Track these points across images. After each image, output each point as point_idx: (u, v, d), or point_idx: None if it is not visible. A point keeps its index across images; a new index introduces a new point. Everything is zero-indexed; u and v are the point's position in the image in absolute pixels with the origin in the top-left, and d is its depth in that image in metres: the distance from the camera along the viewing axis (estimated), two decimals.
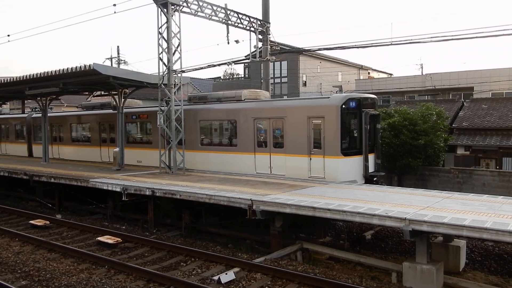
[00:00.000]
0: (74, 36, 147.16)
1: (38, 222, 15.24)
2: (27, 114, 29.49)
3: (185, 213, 14.60)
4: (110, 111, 21.53)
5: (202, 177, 16.10)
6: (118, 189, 14.75)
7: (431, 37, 16.86)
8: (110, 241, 12.65)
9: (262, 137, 16.49)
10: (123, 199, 14.73)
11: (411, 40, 17.19)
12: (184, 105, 17.86)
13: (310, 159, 14.98)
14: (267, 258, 11.11)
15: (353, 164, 14.78)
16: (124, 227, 15.46)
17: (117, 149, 19.38)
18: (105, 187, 15.20)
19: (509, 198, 11.59)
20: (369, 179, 15.05)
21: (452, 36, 16.42)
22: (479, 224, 8.38)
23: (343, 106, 14.47)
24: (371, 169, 15.28)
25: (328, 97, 15.50)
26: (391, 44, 17.07)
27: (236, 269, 10.22)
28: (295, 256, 11.95)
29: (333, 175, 14.51)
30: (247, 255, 11.81)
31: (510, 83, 30.28)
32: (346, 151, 14.60)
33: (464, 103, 26.96)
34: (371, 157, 15.31)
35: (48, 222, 15.40)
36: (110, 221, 16.52)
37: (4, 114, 34.46)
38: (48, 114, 26.52)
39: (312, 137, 14.96)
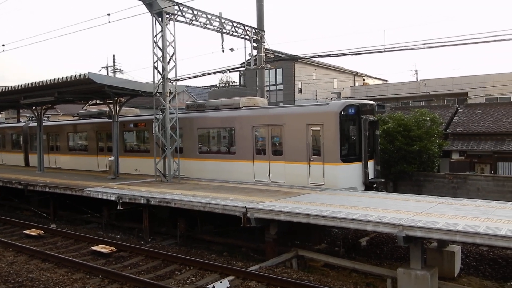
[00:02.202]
0: (72, 45, 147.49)
1: (32, 232, 15.16)
2: (23, 123, 29.41)
3: (180, 221, 14.57)
4: (108, 119, 21.52)
5: (197, 185, 16.09)
6: (112, 198, 14.70)
7: (424, 44, 17.15)
8: (104, 251, 12.59)
9: (260, 145, 16.37)
10: (118, 208, 14.69)
11: (405, 46, 17.47)
12: (181, 113, 17.87)
13: (309, 166, 14.90)
14: (262, 266, 11.07)
15: (352, 171, 14.69)
16: (119, 236, 15.40)
17: (112, 158, 19.36)
18: (99, 196, 15.15)
19: (503, 203, 11.64)
20: (369, 186, 14.94)
21: (445, 42, 16.68)
22: (472, 229, 8.40)
23: (342, 113, 14.40)
24: (370, 175, 15.21)
25: (327, 104, 15.42)
26: (385, 51, 17.31)
27: (231, 277, 10.19)
28: (290, 264, 11.91)
29: (333, 182, 14.43)
30: (242, 263, 11.77)
31: (503, 88, 30.47)
32: (346, 158, 14.51)
33: (459, 108, 27.12)
34: (370, 163, 15.24)
35: (42, 231, 15.32)
36: (105, 230, 16.45)
37: (0, 123, 34.37)
38: (45, 123, 26.41)
39: (311, 144, 14.88)
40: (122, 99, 19.68)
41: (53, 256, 12.19)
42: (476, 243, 8.75)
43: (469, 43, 15.88)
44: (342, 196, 13.07)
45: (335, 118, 14.34)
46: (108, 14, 14.79)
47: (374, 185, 15.14)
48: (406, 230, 9.04)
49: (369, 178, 15.06)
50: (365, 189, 14.73)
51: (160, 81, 17.22)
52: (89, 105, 26.98)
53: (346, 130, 14.77)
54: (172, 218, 14.94)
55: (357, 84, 45.97)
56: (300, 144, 15.02)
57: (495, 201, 11.96)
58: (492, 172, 21.47)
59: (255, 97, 19.83)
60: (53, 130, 25.88)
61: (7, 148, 29.64)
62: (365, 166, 14.85)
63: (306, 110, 15.53)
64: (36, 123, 23.76)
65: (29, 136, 27.59)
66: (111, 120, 19.82)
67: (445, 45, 16.46)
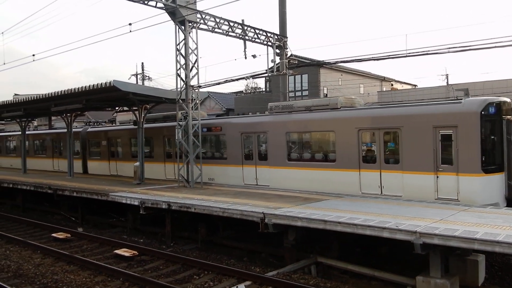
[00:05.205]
0: (105, 53, 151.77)
1: (60, 235, 15.69)
2: (81, 128, 27.59)
3: (201, 226, 14.77)
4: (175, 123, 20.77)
5: (218, 191, 16.26)
6: (136, 203, 15.07)
7: (449, 48, 16.62)
8: (126, 254, 12.91)
9: (369, 151, 14.64)
10: (141, 212, 15.04)
11: (428, 51, 17.00)
12: (265, 115, 17.47)
13: (437, 177, 12.79)
14: (280, 272, 11.10)
15: (494, 183, 12.51)
16: (142, 241, 15.72)
17: (137, 164, 19.83)
18: (123, 201, 15.55)
19: None
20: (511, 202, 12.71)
21: (469, 46, 16.16)
22: (491, 237, 8.18)
23: (483, 113, 12.18)
24: None
25: (460, 102, 12.82)
26: (407, 56, 16.94)
27: (248, 283, 10.27)
28: (309, 270, 11.88)
29: (470, 197, 12.23)
30: (260, 268, 11.82)
31: None
32: (487, 168, 12.28)
33: None
34: None
35: (69, 235, 15.84)
36: (129, 235, 16.83)
37: (56, 128, 32.06)
38: (103, 128, 26.57)
39: (439, 150, 12.76)
40: (148, 106, 20.14)
41: (77, 258, 12.61)
42: (496, 251, 8.46)
43: (495, 47, 15.35)
44: (360, 202, 12.93)
45: (474, 119, 12.16)
46: (130, 24, 15.21)
47: None
48: (423, 238, 8.88)
49: None
50: (507, 206, 12.46)
51: (183, 88, 17.56)
52: (116, 112, 27.67)
53: (487, 134, 12.58)
54: (194, 223, 15.14)
55: (384, 89, 45.32)
56: (424, 151, 12.89)
57: None
58: None
59: (352, 97, 17.76)
60: (114, 135, 24.48)
61: (64, 154, 27.00)
62: (509, 178, 12.66)
63: (433, 110, 13.23)
64: (96, 128, 24.01)
65: (88, 142, 26.07)
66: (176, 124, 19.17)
67: (470, 49, 15.91)
